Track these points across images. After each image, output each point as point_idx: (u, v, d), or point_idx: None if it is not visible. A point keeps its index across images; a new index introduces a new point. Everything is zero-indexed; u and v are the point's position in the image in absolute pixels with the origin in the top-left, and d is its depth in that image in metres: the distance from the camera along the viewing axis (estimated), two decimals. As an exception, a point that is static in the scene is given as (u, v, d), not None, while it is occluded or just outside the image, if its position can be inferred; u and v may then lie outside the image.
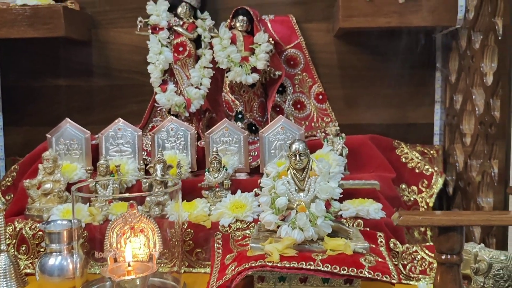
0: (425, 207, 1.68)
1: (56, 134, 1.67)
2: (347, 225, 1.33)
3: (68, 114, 1.95)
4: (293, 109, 1.91)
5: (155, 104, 1.77)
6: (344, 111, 1.93)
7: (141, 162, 1.63)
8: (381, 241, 1.35)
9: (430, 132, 1.91)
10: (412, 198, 1.70)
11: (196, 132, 1.74)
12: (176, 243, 1.29)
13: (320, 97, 1.91)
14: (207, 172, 1.53)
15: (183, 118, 1.77)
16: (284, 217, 1.24)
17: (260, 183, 1.29)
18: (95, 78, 1.97)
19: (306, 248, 1.21)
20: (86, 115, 1.98)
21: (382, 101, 1.92)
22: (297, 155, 1.27)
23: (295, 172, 1.28)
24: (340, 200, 1.46)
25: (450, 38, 1.77)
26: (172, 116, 1.72)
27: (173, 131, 1.66)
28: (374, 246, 1.31)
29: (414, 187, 1.71)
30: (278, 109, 1.89)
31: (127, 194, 1.44)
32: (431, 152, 1.83)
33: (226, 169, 1.53)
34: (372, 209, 1.44)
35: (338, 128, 1.67)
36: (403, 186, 1.72)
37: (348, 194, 1.51)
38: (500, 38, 1.36)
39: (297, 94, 1.91)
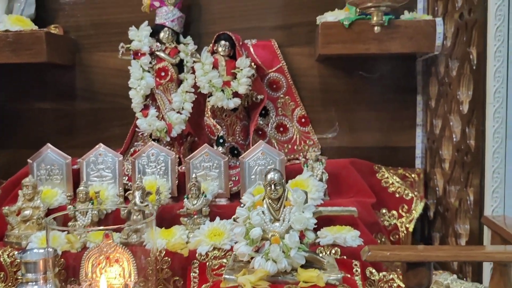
0: (405, 232, 1.68)
1: (37, 159, 1.68)
2: (322, 254, 1.34)
3: (52, 137, 1.96)
4: (275, 132, 1.91)
5: (136, 129, 1.77)
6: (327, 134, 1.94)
7: (121, 188, 1.64)
8: (356, 270, 1.35)
9: (412, 155, 1.92)
10: (392, 223, 1.71)
11: (178, 156, 1.75)
12: (151, 272, 1.29)
13: (303, 120, 1.92)
14: (186, 198, 1.53)
15: (164, 142, 1.78)
16: (258, 248, 1.24)
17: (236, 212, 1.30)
18: (78, 102, 1.98)
19: (279, 279, 1.21)
20: (70, 138, 1.98)
21: (364, 124, 1.93)
22: (273, 185, 1.28)
23: (270, 201, 1.29)
24: (319, 227, 1.48)
25: (430, 63, 1.78)
26: (153, 141, 1.72)
27: (153, 156, 1.67)
28: (349, 275, 1.31)
29: (395, 212, 1.72)
30: (260, 132, 1.90)
31: (101, 227, 1.44)
32: (413, 175, 1.84)
33: (205, 196, 1.54)
34: (349, 236, 1.44)
35: (318, 153, 1.68)
36: (384, 210, 1.72)
37: (327, 220, 1.52)
38: (474, 68, 1.37)
39: (279, 117, 1.92)
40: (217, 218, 1.50)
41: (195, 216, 1.52)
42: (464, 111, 1.46)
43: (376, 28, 1.42)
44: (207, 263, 1.40)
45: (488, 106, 1.28)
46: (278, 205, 1.29)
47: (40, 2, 1.91)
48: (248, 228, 1.25)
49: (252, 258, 1.24)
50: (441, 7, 1.67)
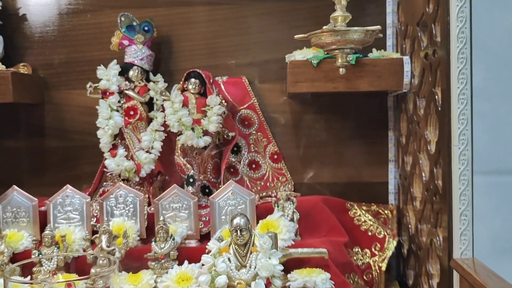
0: (378, 271, 1.67)
1: (2, 202, 1.64)
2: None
3: (21, 176, 1.95)
4: (248, 169, 1.90)
5: (105, 169, 1.75)
6: (299, 170, 1.93)
7: (87, 231, 1.60)
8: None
9: (385, 191, 1.91)
10: (365, 262, 1.69)
11: (148, 196, 1.73)
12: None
13: (275, 156, 1.91)
14: (153, 242, 1.51)
15: (134, 182, 1.75)
16: (223, 297, 1.22)
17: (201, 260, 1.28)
18: (48, 140, 1.95)
19: (245, 329, 1.19)
20: (39, 177, 1.95)
21: (337, 159, 1.92)
22: (238, 231, 1.26)
23: (236, 247, 1.27)
24: (289, 269, 1.47)
25: (401, 99, 1.79)
26: (121, 182, 1.70)
27: (121, 197, 1.64)
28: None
29: (367, 250, 1.71)
30: (232, 169, 1.89)
31: (63, 280, 1.40)
32: (386, 212, 1.83)
33: (174, 239, 1.51)
34: (320, 280, 1.42)
35: (289, 192, 1.67)
36: (356, 249, 1.71)
37: (297, 262, 1.50)
38: (439, 108, 1.37)
39: (252, 153, 1.91)
40: (185, 262, 1.47)
41: (163, 260, 1.49)
42: (432, 151, 1.45)
43: (341, 69, 1.42)
44: (174, 310, 1.37)
45: (453, 148, 1.28)
46: (244, 251, 1.27)
47: (8, 40, 1.90)
48: (214, 276, 1.23)
49: (217, 307, 1.21)
50: (409, 45, 1.68)
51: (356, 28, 1.34)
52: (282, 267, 1.25)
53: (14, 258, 1.55)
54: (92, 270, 1.43)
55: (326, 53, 1.63)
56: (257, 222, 1.62)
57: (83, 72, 1.92)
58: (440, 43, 1.35)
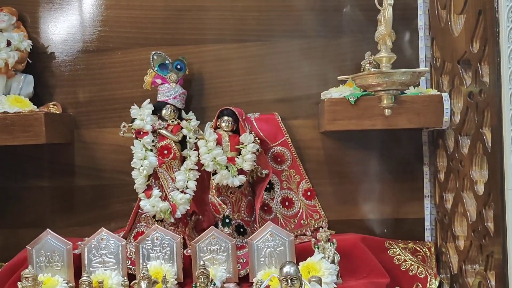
0: (421, 312, 1.62)
1: (36, 245, 1.61)
2: None
3: (51, 216, 1.93)
4: (281, 207, 1.86)
5: (140, 210, 1.71)
6: (333, 207, 1.89)
7: (125, 275, 1.57)
8: None
9: (421, 227, 1.88)
10: (408, 303, 1.65)
11: (182, 237, 1.69)
12: None
13: (309, 193, 1.88)
14: (194, 287, 1.47)
15: (168, 223, 1.72)
16: None
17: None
18: (77, 179, 1.92)
19: None
20: (70, 216, 1.92)
21: (371, 196, 1.89)
22: (289, 280, 1.23)
23: (287, 296, 1.23)
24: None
25: (437, 135, 1.76)
26: (156, 224, 1.66)
27: (158, 240, 1.61)
28: None
29: (409, 291, 1.67)
30: (266, 207, 1.85)
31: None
32: (424, 249, 1.80)
33: (214, 284, 1.48)
34: (367, 326, 1.38)
35: (329, 233, 1.63)
36: (397, 289, 1.67)
37: (342, 307, 1.46)
38: (489, 150, 1.35)
39: (285, 190, 1.88)
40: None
41: (204, 307, 1.45)
42: (479, 191, 1.42)
43: (386, 111, 1.40)
44: None
45: (508, 192, 1.25)
46: (295, 301, 1.23)
47: (38, 79, 1.88)
48: (266, 327, 1.19)
49: None
50: (447, 81, 1.66)
51: (403, 70, 1.32)
52: (336, 318, 1.22)
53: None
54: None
55: (362, 90, 1.61)
56: (297, 264, 1.58)
57: (113, 110, 1.90)
58: (489, 84, 1.32)
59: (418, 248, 1.80)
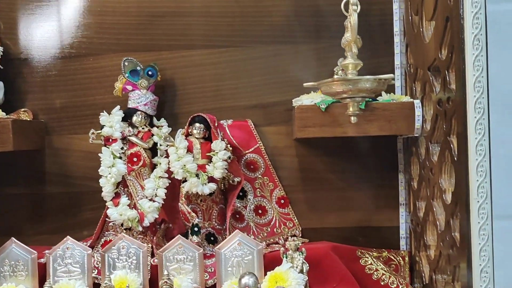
0: (392, 323, 1.60)
1: (1, 254, 1.58)
2: None
3: (19, 224, 1.89)
4: (254, 215, 1.84)
5: (107, 218, 1.69)
6: (307, 215, 1.87)
7: (90, 285, 1.54)
8: None
9: (396, 235, 1.85)
10: (378, 313, 1.62)
11: (151, 246, 1.67)
12: None
13: (282, 201, 1.85)
14: (157, 298, 1.44)
15: (137, 231, 1.70)
16: None
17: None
18: (48, 186, 1.89)
19: None
20: (39, 224, 1.89)
21: (345, 203, 1.87)
22: (248, 291, 1.20)
23: (246, 308, 1.21)
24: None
25: (411, 142, 1.74)
26: (123, 233, 1.64)
27: (124, 249, 1.58)
28: None
29: (380, 301, 1.64)
30: (238, 215, 1.82)
31: None
32: (398, 258, 1.77)
33: (179, 294, 1.45)
34: (332, 338, 1.36)
35: (298, 242, 1.60)
36: (369, 300, 1.64)
37: (308, 317, 1.44)
38: (456, 159, 1.32)
39: (258, 198, 1.85)
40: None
41: (167, 318, 1.43)
42: (447, 201, 1.40)
43: (352, 118, 1.37)
44: None
45: (473, 201, 1.23)
46: (254, 313, 1.20)
47: (9, 86, 1.86)
48: None
49: None
50: (419, 88, 1.64)
51: (368, 76, 1.30)
52: (294, 331, 1.19)
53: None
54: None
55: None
56: (265, 274, 1.55)
57: (85, 116, 1.88)
58: (456, 92, 1.30)
59: (392, 257, 1.77)
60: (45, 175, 1.89)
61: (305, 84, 1.44)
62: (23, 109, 1.83)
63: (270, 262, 1.61)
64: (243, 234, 1.60)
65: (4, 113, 1.73)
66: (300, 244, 1.59)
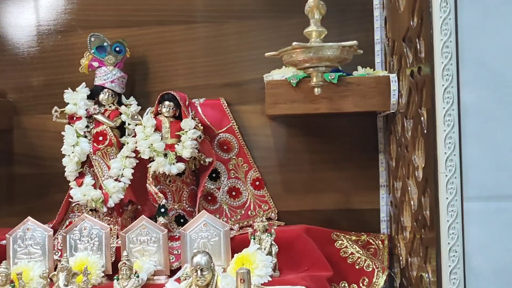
0: (366, 308, 1.52)
1: (-41, 236, 1.53)
2: None
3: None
4: (227, 197, 1.77)
5: (70, 199, 1.63)
6: (284, 197, 1.79)
7: (48, 267, 1.48)
8: None
9: (376, 218, 1.77)
10: (353, 298, 1.55)
11: (116, 228, 1.61)
12: None
13: (257, 183, 1.78)
14: (115, 280, 1.38)
15: (103, 213, 1.63)
16: None
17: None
18: (17, 167, 1.84)
19: None
20: (7, 206, 1.84)
21: (323, 185, 1.79)
22: (199, 270, 1.13)
23: (198, 289, 1.14)
24: (263, 309, 1.33)
25: (390, 120, 1.66)
26: (85, 214, 1.57)
27: (86, 230, 1.52)
28: None
29: (355, 286, 1.56)
30: (210, 197, 1.76)
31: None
32: (376, 242, 1.69)
33: (138, 276, 1.38)
34: (296, 321, 1.29)
35: (266, 223, 1.53)
36: (343, 284, 1.56)
37: (275, 301, 1.37)
38: (425, 131, 1.24)
39: (232, 180, 1.78)
40: (150, 303, 1.34)
41: (125, 301, 1.36)
42: (419, 177, 1.32)
43: (316, 89, 1.30)
44: None
45: (440, 175, 1.15)
46: (206, 293, 1.14)
47: (-24, 64, 1.81)
48: (171, 322, 1.10)
49: None
50: (396, 62, 1.55)
51: (330, 44, 1.22)
52: (247, 313, 1.12)
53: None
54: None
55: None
56: (232, 257, 1.49)
57: (55, 95, 1.81)
58: (424, 59, 1.22)
59: (371, 241, 1.69)
60: (14, 155, 1.85)
61: (266, 54, 1.37)
62: (-10, 88, 1.78)
63: (240, 245, 1.54)
64: (210, 215, 1.53)
65: (-33, 91, 1.67)
66: (268, 226, 1.52)
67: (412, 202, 1.40)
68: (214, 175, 1.77)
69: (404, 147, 1.47)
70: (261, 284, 1.39)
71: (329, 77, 1.50)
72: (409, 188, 1.43)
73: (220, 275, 1.15)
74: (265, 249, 1.48)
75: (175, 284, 1.16)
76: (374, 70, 1.68)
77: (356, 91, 1.53)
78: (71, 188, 1.62)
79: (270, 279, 1.42)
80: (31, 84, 1.84)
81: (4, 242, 1.57)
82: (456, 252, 1.14)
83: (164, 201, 1.61)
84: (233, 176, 1.78)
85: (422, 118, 1.27)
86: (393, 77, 1.52)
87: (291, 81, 1.53)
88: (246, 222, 1.74)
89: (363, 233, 1.71)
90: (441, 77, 1.14)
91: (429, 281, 1.26)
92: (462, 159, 1.14)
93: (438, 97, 1.15)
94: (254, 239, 1.50)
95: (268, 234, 1.50)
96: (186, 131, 1.64)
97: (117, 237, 1.59)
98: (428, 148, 1.22)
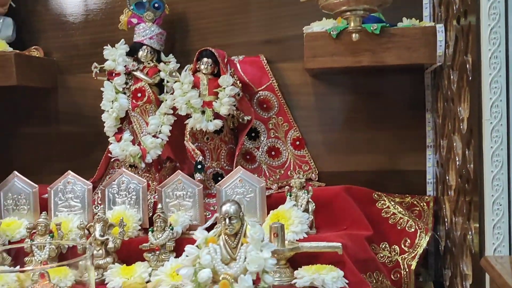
0: (407, 270, 1.45)
1: (3, 188, 1.57)
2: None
3: (33, 163, 1.88)
4: (267, 157, 1.73)
5: (109, 154, 1.64)
6: (325, 158, 1.74)
7: (87, 220, 1.50)
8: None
9: (422, 180, 1.69)
10: (393, 260, 1.48)
11: (154, 184, 1.61)
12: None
13: (297, 142, 1.74)
14: (150, 232, 1.38)
15: (143, 169, 1.64)
16: (206, 293, 1.07)
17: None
18: (61, 125, 1.88)
19: (228, 331, 1.03)
20: (51, 163, 1.88)
21: (366, 146, 1.72)
22: (227, 219, 1.11)
23: (226, 238, 1.12)
24: (299, 265, 1.30)
25: (438, 76, 1.57)
26: (123, 169, 1.58)
27: (124, 184, 1.53)
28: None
29: (396, 247, 1.49)
30: (249, 156, 1.73)
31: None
32: (421, 204, 1.62)
33: (172, 229, 1.38)
34: (330, 278, 1.24)
35: (303, 180, 1.49)
36: (384, 245, 1.50)
37: (310, 258, 1.33)
38: (470, 78, 1.16)
39: (271, 139, 1.74)
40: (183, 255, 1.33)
41: (159, 252, 1.36)
42: (464, 129, 1.24)
43: (354, 35, 1.23)
44: (165, 307, 1.23)
45: (485, 123, 1.06)
46: (235, 243, 1.11)
47: (22, 24, 1.84)
48: (197, 269, 1.08)
49: (197, 306, 1.06)
50: (443, 11, 1.46)
51: (366, -17, 1.15)
52: (274, 261, 1.08)
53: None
54: (80, 263, 1.32)
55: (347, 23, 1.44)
56: (269, 213, 1.46)
57: (97, 54, 1.80)
58: (471, 1, 1.13)
59: (416, 203, 1.62)
60: (58, 114, 1.88)
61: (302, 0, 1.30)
62: (34, 47, 1.81)
63: (277, 203, 1.51)
64: (245, 171, 1.50)
65: (11, 49, 1.70)
66: (305, 183, 1.48)
67: (457, 158, 1.32)
68: (253, 134, 1.74)
69: (450, 101, 1.38)
70: (296, 241, 1.35)
71: (371, 28, 1.42)
72: (454, 144, 1.35)
73: (249, 224, 1.12)
74: (301, 206, 1.44)
75: (204, 232, 1.14)
76: (413, 19, 1.58)
77: (400, 42, 1.45)
78: (111, 143, 1.63)
79: (305, 235, 1.38)
80: (75, 43, 1.86)
81: (46, 195, 1.60)
82: (500, 205, 1.06)
83: (201, 157, 1.59)
84: (272, 136, 1.74)
85: (467, 66, 1.18)
86: (439, 27, 1.43)
87: (331, 32, 1.46)
88: (285, 182, 1.70)
89: (407, 195, 1.64)
90: (487, 17, 1.05)
91: (471, 238, 1.18)
92: (509, 104, 1.06)
93: (483, 40, 1.06)
94: (290, 196, 1.46)
95: (305, 191, 1.46)
96: (224, 88, 1.61)
97: (155, 193, 1.59)
98: (473, 95, 1.14)
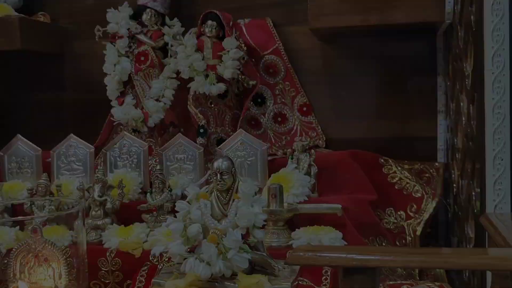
0: (412, 235, 1.41)
1: (8, 151, 1.58)
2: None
3: (41, 130, 1.88)
4: (273, 123, 1.70)
5: (111, 118, 1.63)
6: (333, 124, 1.70)
7: (88, 182, 1.50)
8: (325, 279, 1.12)
9: (433, 147, 1.64)
10: (399, 225, 1.45)
11: (157, 148, 1.60)
12: (82, 275, 1.13)
13: (305, 108, 1.70)
14: (148, 193, 1.37)
15: (146, 134, 1.63)
16: (194, 248, 1.05)
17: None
18: (66, 92, 1.88)
19: (216, 286, 1.01)
20: (57, 130, 1.86)
21: (376, 111, 1.68)
22: (219, 174, 1.07)
23: (218, 194, 1.09)
24: (295, 227, 1.27)
25: (449, 38, 1.50)
26: (125, 132, 1.57)
27: (125, 147, 1.52)
28: (313, 284, 1.08)
29: (402, 212, 1.46)
30: (254, 122, 1.70)
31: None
32: (431, 170, 1.56)
33: (171, 190, 1.36)
34: (327, 238, 1.21)
35: (305, 143, 1.45)
36: (390, 210, 1.46)
37: (311, 220, 1.29)
38: (473, 29, 1.10)
39: (278, 105, 1.71)
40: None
41: (156, 213, 1.35)
42: (469, 85, 1.18)
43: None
44: (159, 266, 1.22)
45: (487, 73, 1.01)
46: (226, 198, 1.08)
47: (28, -11, 1.84)
48: (187, 224, 1.06)
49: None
50: (453, -34, 1.39)
51: None
52: (265, 216, 1.05)
53: (14, 209, 1.47)
54: (77, 222, 1.31)
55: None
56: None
57: (104, 20, 1.80)
58: None
59: (425, 169, 1.57)
60: (64, 81, 1.88)
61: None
62: (41, 13, 1.81)
63: (280, 167, 1.47)
64: (247, 133, 1.47)
65: (16, 13, 1.70)
66: (307, 146, 1.44)
67: (463, 118, 1.27)
68: (259, 100, 1.70)
69: (458, 60, 1.32)
70: (296, 203, 1.32)
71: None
72: (461, 104, 1.29)
73: (241, 180, 1.09)
74: (303, 169, 1.41)
75: (195, 188, 1.12)
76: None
77: (408, 0, 1.40)
78: (113, 107, 1.62)
79: (306, 198, 1.35)
80: (81, 9, 1.85)
81: (50, 159, 1.60)
82: (502, 159, 1.01)
83: (203, 121, 1.57)
84: (279, 102, 1.71)
85: (471, 17, 1.12)
86: (449, -18, 1.36)
87: (336, -10, 1.42)
88: (291, 149, 1.66)
89: (417, 162, 1.59)
90: (491, -39, 0.99)
91: (474, 197, 1.13)
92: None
93: (487, -15, 1.00)
94: (292, 158, 1.43)
95: (307, 154, 1.42)
96: (228, 51, 1.57)
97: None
98: (476, 46, 1.08)
